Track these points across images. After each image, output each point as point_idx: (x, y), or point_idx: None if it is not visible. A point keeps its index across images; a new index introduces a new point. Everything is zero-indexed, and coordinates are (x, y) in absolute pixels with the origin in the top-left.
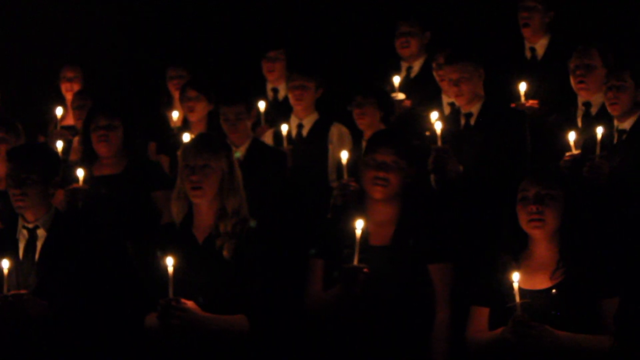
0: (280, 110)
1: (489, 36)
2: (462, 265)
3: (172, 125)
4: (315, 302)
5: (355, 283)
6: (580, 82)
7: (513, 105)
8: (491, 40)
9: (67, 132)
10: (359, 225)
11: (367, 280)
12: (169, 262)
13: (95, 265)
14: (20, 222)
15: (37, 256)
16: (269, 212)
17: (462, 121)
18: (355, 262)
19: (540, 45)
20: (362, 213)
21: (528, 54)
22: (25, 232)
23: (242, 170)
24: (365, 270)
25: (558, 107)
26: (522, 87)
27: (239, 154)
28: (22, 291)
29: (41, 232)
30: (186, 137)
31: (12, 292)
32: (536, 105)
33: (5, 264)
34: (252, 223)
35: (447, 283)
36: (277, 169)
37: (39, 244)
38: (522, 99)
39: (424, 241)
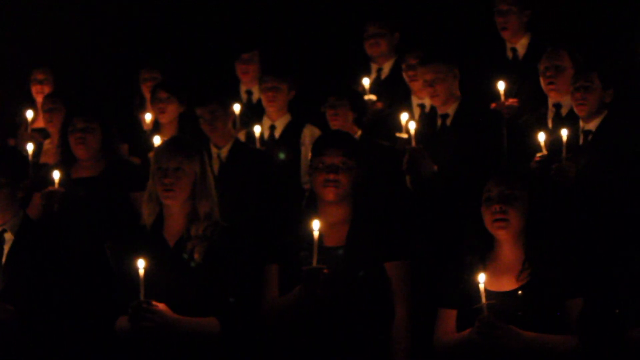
0: (254, 112)
1: (470, 36)
2: (429, 266)
3: (145, 127)
4: (272, 308)
5: (316, 284)
6: (550, 83)
7: (493, 105)
8: (473, 40)
9: (37, 135)
10: (316, 226)
11: (328, 280)
12: (140, 264)
13: (65, 269)
14: None
15: (3, 259)
16: (249, 213)
17: (439, 122)
18: (315, 263)
19: (521, 45)
20: (315, 215)
21: (509, 54)
22: None
23: (224, 171)
24: (325, 270)
25: (532, 107)
26: (501, 86)
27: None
28: None
29: (8, 236)
30: (157, 140)
31: None
32: (516, 104)
33: None
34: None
35: (404, 281)
36: (260, 170)
37: (5, 248)
38: (502, 98)
39: (379, 239)
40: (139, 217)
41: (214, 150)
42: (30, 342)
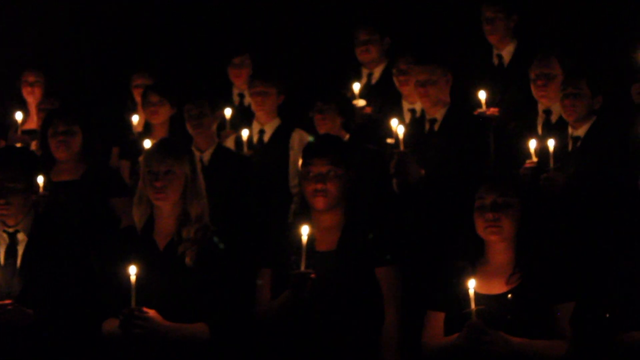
0: (246, 116)
1: (456, 42)
2: (418, 269)
3: (134, 130)
4: (265, 311)
5: (303, 288)
6: (541, 90)
7: (475, 112)
8: (459, 46)
9: (27, 137)
10: (305, 231)
11: (315, 285)
12: (132, 271)
13: (74, 268)
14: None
15: (18, 262)
16: (232, 218)
17: (427, 126)
18: (303, 267)
19: (507, 52)
20: (307, 220)
21: (495, 61)
22: (5, 236)
23: (206, 176)
24: (312, 275)
25: (521, 114)
26: (482, 95)
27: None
28: (7, 301)
29: (22, 237)
30: (147, 143)
31: None
32: (496, 113)
33: None
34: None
35: (394, 286)
36: (242, 175)
37: (20, 249)
38: (484, 107)
39: (369, 244)
40: (119, 222)
41: (196, 153)
42: (47, 344)
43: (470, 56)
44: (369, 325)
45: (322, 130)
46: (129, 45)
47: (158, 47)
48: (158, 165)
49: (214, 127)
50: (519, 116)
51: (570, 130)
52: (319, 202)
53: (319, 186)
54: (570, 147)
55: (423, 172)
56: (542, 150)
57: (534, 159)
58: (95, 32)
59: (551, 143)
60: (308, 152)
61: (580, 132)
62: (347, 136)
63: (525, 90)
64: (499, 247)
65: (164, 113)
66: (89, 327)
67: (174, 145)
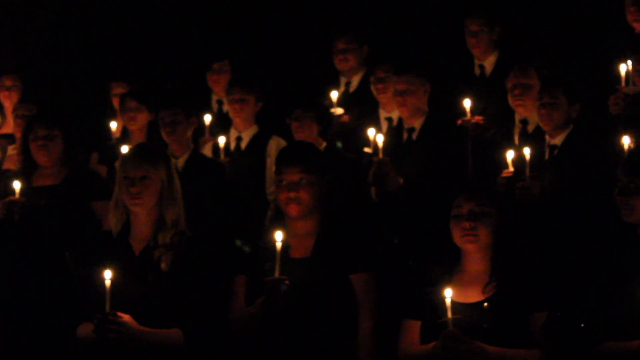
0: (225, 122)
1: (438, 51)
2: (395, 278)
3: (112, 136)
4: (238, 318)
5: (277, 295)
6: (518, 100)
7: (459, 121)
8: (441, 55)
9: (3, 141)
10: (279, 237)
11: (289, 292)
12: (107, 275)
13: (31, 274)
14: None
15: None
16: (206, 224)
17: (405, 135)
18: (277, 274)
19: (489, 63)
20: (282, 227)
21: (477, 71)
22: None
23: (181, 182)
24: (286, 282)
25: (501, 124)
26: (467, 103)
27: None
28: None
29: None
30: (125, 149)
31: None
32: (482, 122)
33: None
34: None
35: (370, 293)
36: (215, 181)
37: None
38: (468, 115)
39: (344, 251)
40: (101, 226)
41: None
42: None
43: (452, 66)
44: (343, 333)
45: (298, 138)
46: (107, 51)
47: (138, 53)
48: (134, 170)
49: (189, 133)
50: (500, 126)
51: (547, 139)
52: (292, 210)
53: (292, 194)
54: (547, 156)
55: (401, 180)
56: (518, 160)
57: (511, 169)
58: (74, 37)
59: (527, 152)
60: (280, 160)
61: (557, 140)
62: (323, 144)
63: (506, 101)
64: (475, 256)
65: (141, 119)
66: (64, 331)
67: (151, 150)
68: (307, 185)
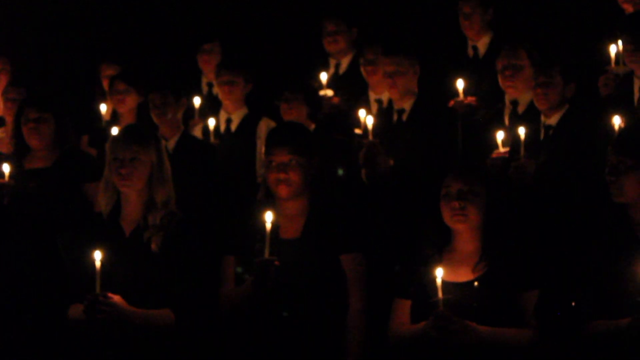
0: (215, 105)
1: (431, 32)
2: (385, 258)
3: (102, 118)
4: (227, 299)
5: (267, 276)
6: (508, 81)
7: (452, 102)
8: (434, 36)
9: None
10: (269, 218)
11: (279, 273)
12: (97, 256)
13: (21, 257)
14: None
15: None
16: (197, 205)
17: (395, 117)
18: (266, 255)
19: (482, 44)
20: (272, 208)
21: (470, 52)
22: None
23: (171, 164)
24: (276, 262)
25: (491, 104)
26: (460, 84)
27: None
28: None
29: None
30: (115, 131)
31: None
32: (474, 102)
33: None
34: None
35: (359, 273)
36: (206, 162)
37: None
38: (461, 95)
39: (334, 232)
40: (92, 208)
41: None
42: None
43: (444, 47)
44: (333, 313)
45: (287, 120)
46: (97, 33)
47: (128, 34)
48: (123, 152)
49: (179, 115)
50: (490, 107)
51: (542, 118)
52: (282, 191)
53: (281, 175)
54: (542, 136)
55: (392, 162)
56: (513, 140)
57: (501, 149)
58: (63, 20)
59: (522, 131)
60: (270, 141)
61: (553, 120)
62: (312, 126)
63: (498, 82)
64: (466, 236)
65: (130, 101)
66: (55, 314)
67: (140, 131)
68: (297, 167)
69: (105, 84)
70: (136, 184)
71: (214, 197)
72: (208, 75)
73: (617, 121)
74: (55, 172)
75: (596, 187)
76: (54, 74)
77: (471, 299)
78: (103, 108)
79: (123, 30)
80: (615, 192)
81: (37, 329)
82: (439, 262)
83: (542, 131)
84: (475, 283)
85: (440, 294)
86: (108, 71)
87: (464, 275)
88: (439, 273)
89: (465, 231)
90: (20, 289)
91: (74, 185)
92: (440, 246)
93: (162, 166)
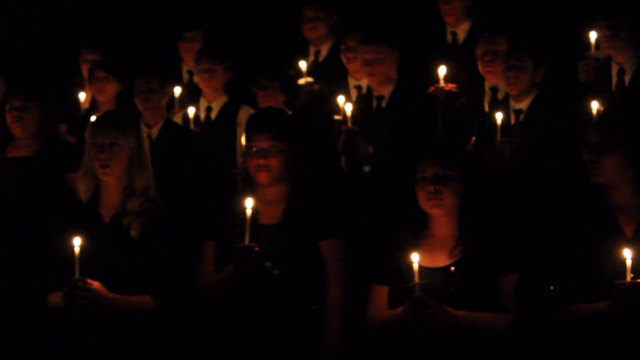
0: (196, 93)
1: (410, 18)
2: (362, 243)
3: (81, 107)
4: (208, 284)
5: (246, 262)
6: (488, 67)
7: (432, 88)
8: (412, 22)
9: None
10: (249, 204)
11: (259, 258)
12: (76, 242)
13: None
14: None
15: None
16: (179, 192)
17: (374, 104)
18: (247, 241)
19: (462, 30)
20: (252, 193)
21: (449, 38)
22: None
23: (155, 151)
24: (256, 248)
25: (470, 91)
26: (442, 70)
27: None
28: None
29: None
30: (93, 119)
31: None
32: (455, 89)
33: None
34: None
35: (339, 259)
36: (190, 150)
37: None
38: (441, 82)
39: (313, 218)
40: (75, 197)
41: (144, 129)
42: None
43: (424, 33)
44: (312, 299)
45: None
46: (77, 20)
47: (108, 23)
48: (102, 137)
49: (164, 102)
50: (470, 94)
51: (512, 103)
52: (262, 177)
53: (262, 161)
54: (512, 121)
55: (371, 149)
56: (489, 124)
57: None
58: (43, 7)
59: (499, 116)
60: (250, 127)
61: (523, 105)
62: (289, 114)
63: (477, 68)
64: (442, 220)
65: (110, 89)
66: (36, 302)
67: (119, 117)
68: (277, 153)
69: (84, 69)
70: (116, 171)
71: (195, 184)
72: (189, 64)
73: (595, 106)
74: (38, 161)
75: (572, 170)
76: (33, 60)
77: (448, 283)
78: (82, 96)
79: (104, 17)
80: (595, 172)
81: (19, 318)
82: (415, 247)
83: (512, 115)
84: (452, 268)
85: (417, 279)
86: (87, 56)
87: (440, 260)
88: (415, 258)
89: (441, 216)
90: (6, 279)
91: (57, 174)
92: (417, 231)
93: (141, 152)
